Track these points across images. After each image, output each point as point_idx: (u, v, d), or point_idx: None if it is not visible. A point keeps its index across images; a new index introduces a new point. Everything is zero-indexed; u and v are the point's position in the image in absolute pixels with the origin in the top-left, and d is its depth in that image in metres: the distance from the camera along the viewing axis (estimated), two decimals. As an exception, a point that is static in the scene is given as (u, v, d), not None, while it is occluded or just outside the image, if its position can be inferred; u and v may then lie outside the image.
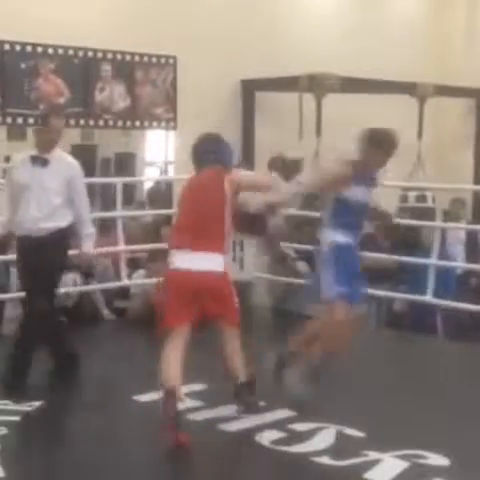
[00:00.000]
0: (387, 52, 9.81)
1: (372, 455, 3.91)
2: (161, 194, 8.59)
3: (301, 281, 7.60)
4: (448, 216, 8.85)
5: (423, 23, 10.69)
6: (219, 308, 4.31)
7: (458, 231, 8.67)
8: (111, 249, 6.69)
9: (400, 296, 7.38)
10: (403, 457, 3.88)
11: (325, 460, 3.90)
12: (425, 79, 9.39)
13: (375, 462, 3.85)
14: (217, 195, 4.29)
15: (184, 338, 4.26)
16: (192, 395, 4.76)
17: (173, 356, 4.19)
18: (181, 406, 4.50)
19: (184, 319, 4.23)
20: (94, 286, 6.64)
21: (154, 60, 8.14)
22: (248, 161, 8.55)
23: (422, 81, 9.25)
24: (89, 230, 5.16)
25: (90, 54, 7.75)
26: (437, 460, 3.86)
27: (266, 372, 4.65)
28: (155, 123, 8.21)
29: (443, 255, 7.33)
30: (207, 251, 4.19)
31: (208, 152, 4.52)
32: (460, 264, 8.08)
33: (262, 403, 4.61)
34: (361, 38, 9.76)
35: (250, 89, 8.84)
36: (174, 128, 8.33)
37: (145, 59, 8.09)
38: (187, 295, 4.18)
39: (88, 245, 5.15)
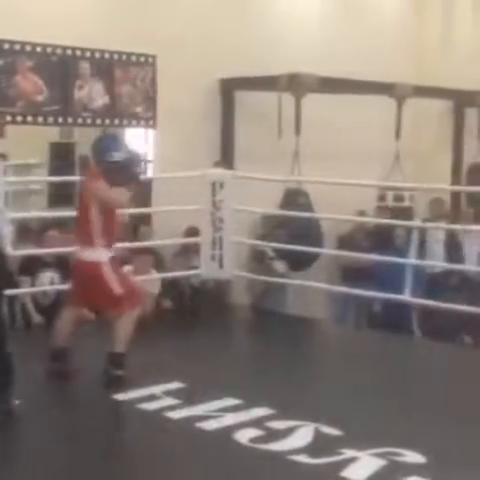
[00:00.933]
0: (366, 53, 9.84)
1: (349, 453, 3.93)
2: (140, 193, 8.56)
3: (279, 280, 7.64)
4: (429, 216, 8.93)
5: (402, 24, 10.72)
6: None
7: (437, 231, 8.73)
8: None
9: (376, 295, 7.42)
10: (380, 455, 3.91)
11: (303, 458, 3.92)
12: (404, 80, 9.43)
13: (352, 460, 3.87)
14: (84, 198, 5.08)
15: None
16: (170, 394, 4.77)
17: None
18: (159, 405, 4.54)
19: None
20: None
21: (133, 59, 8.11)
22: (227, 160, 8.56)
23: (400, 82, 9.29)
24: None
25: (69, 52, 7.70)
26: (413, 457, 3.89)
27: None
28: (134, 122, 8.19)
29: (419, 254, 7.39)
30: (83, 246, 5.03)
31: (93, 152, 5.21)
32: (435, 263, 8.13)
33: (240, 401, 4.62)
34: (341, 39, 9.78)
35: (229, 88, 8.83)
36: (153, 127, 8.31)
37: (124, 57, 8.06)
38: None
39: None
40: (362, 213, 8.93)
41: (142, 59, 8.18)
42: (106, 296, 5.00)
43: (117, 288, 4.97)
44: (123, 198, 5.07)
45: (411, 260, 6.50)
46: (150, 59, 8.21)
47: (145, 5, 8.17)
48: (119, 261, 5.40)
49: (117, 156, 5.06)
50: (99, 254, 4.99)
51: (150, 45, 8.08)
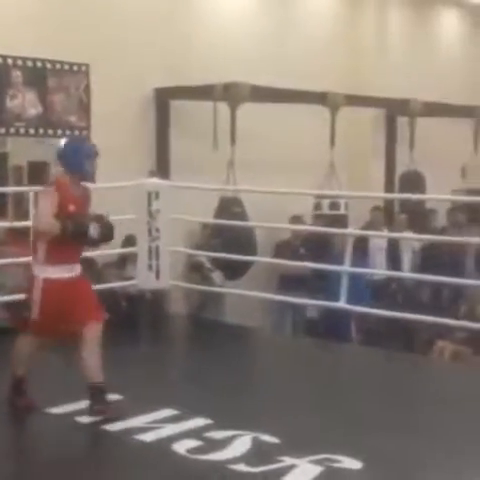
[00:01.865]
0: (300, 63, 9.94)
1: (287, 461, 3.94)
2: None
3: (217, 289, 7.65)
4: (369, 224, 9.06)
5: (335, 34, 10.86)
6: None
7: (378, 239, 8.86)
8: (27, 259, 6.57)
9: (313, 303, 7.49)
10: (317, 462, 3.93)
11: (241, 467, 3.92)
12: (337, 89, 9.56)
13: (290, 467, 3.88)
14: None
15: None
16: (107, 406, 4.72)
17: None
18: (96, 418, 4.48)
19: None
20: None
21: (66, 67, 8.04)
22: (163, 169, 8.54)
23: (333, 91, 9.41)
24: None
25: (0, 60, 7.61)
26: (350, 463, 3.92)
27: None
28: (68, 131, 8.11)
29: (361, 262, 7.48)
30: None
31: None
32: (373, 271, 8.25)
33: (178, 412, 4.60)
34: (275, 49, 9.86)
35: (164, 97, 8.82)
36: (88, 136, 8.25)
37: (57, 66, 7.98)
38: None
39: None
40: (298, 218, 9.00)
41: (75, 68, 8.12)
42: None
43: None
44: (43, 224, 4.48)
45: (345, 267, 6.57)
46: (83, 68, 8.15)
47: (78, 13, 8.11)
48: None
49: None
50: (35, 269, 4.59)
51: (83, 54, 8.03)
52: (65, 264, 4.57)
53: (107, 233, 4.71)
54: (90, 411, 4.49)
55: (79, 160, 4.57)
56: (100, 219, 4.68)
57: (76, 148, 4.67)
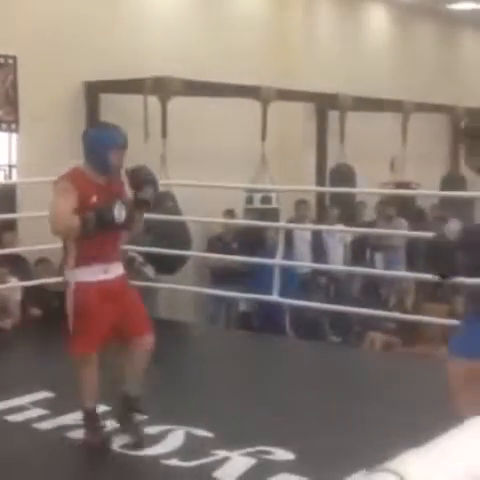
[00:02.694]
0: (232, 56, 9.95)
1: (220, 454, 3.96)
2: (6, 198, 8.33)
3: (150, 284, 7.61)
4: (295, 217, 9.13)
5: (266, 28, 10.90)
6: None
7: (304, 232, 8.94)
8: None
9: (246, 296, 7.52)
10: (250, 454, 3.96)
11: (175, 462, 3.91)
12: (269, 83, 9.60)
13: (223, 461, 3.90)
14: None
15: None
16: (37, 404, 4.66)
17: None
18: (27, 416, 4.42)
19: None
20: None
21: (-7, 60, 7.91)
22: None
23: (265, 85, 9.45)
24: None
25: None
26: (282, 455, 3.96)
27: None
28: (-5, 125, 7.98)
29: (288, 255, 7.53)
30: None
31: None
32: (304, 263, 8.33)
33: (110, 408, 4.57)
34: (207, 42, 9.85)
35: (94, 91, 8.72)
36: (16, 131, 8.11)
37: (-17, 59, 7.84)
38: None
39: None
40: (230, 212, 9.02)
41: (1, 60, 7.96)
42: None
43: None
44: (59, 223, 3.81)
45: (277, 260, 6.62)
46: (10, 60, 8.00)
47: (5, 5, 7.95)
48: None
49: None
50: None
51: (10, 46, 7.88)
52: (99, 264, 3.88)
53: (142, 203, 3.96)
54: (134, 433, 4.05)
55: (99, 150, 3.92)
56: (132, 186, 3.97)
57: (95, 136, 4.03)
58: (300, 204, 9.37)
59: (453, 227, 3.21)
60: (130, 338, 3.98)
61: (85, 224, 3.73)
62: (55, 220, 3.80)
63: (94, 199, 3.84)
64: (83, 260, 3.85)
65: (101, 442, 4.02)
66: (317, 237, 9.08)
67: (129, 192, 4.07)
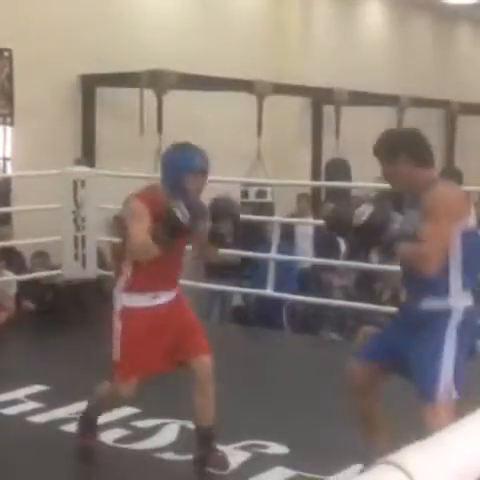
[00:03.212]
0: (228, 50, 9.95)
1: (215, 448, 3.96)
2: (0, 191, 8.33)
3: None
4: (296, 211, 9.12)
5: (263, 23, 10.89)
6: None
7: (306, 226, 8.94)
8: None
9: (240, 290, 7.51)
10: (244, 448, 3.97)
11: (169, 456, 3.92)
12: (264, 78, 9.60)
13: (218, 454, 3.91)
14: None
15: None
16: (31, 397, 4.66)
17: None
18: (21, 409, 4.42)
19: None
20: None
21: (-12, 53, 7.89)
22: (89, 157, 8.44)
23: (260, 79, 9.45)
24: None
25: None
26: (277, 449, 3.97)
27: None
28: (-10, 118, 7.97)
29: (286, 250, 7.53)
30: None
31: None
32: (299, 258, 8.32)
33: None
34: (203, 36, 9.84)
35: (90, 84, 8.71)
36: (11, 124, 8.09)
37: (-22, 51, 7.83)
38: None
39: None
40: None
41: (-3, 53, 7.95)
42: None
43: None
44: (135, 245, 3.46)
45: (272, 254, 6.62)
46: (6, 53, 7.98)
47: (0, -2, 7.94)
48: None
49: None
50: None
51: (6, 39, 7.86)
52: (151, 291, 3.63)
53: (216, 237, 3.70)
54: (195, 459, 3.81)
55: (174, 173, 3.59)
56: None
57: (173, 157, 3.67)
58: (301, 198, 9.37)
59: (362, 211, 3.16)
60: (188, 360, 3.77)
61: (155, 235, 3.44)
62: (132, 242, 3.50)
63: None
64: (138, 285, 3.61)
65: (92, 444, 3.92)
66: (319, 232, 9.05)
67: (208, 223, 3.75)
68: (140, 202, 3.54)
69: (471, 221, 3.16)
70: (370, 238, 3.25)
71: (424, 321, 3.13)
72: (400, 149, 3.18)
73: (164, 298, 3.68)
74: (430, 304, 3.15)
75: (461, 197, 3.20)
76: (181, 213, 3.44)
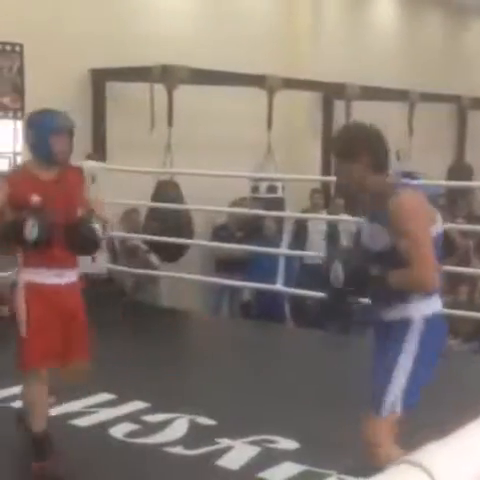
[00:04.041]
0: (238, 45, 9.92)
1: (224, 442, 3.98)
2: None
3: (154, 272, 7.62)
4: (309, 206, 9.11)
5: (273, 17, 10.86)
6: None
7: (318, 221, 8.92)
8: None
9: (250, 285, 7.52)
10: (254, 443, 3.97)
11: (178, 450, 3.93)
12: (274, 72, 9.57)
13: (227, 449, 3.92)
14: None
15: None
16: (43, 391, 4.67)
17: None
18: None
19: None
20: None
21: (-1, 47, 7.90)
22: (99, 152, 8.45)
23: (271, 74, 9.43)
24: None
25: None
26: (286, 444, 3.97)
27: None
28: (1, 113, 7.96)
29: (298, 245, 7.53)
30: None
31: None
32: (309, 253, 8.30)
33: (114, 396, 4.59)
34: (213, 31, 9.82)
35: (100, 79, 8.70)
36: (22, 118, 8.10)
37: (-10, 46, 7.83)
38: None
39: None
40: (243, 199, 8.98)
41: (8, 48, 7.95)
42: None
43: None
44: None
45: (283, 250, 6.61)
46: (17, 48, 7.99)
47: (11, -8, 7.94)
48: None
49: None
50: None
51: (17, 33, 7.86)
52: (47, 267, 3.54)
53: (74, 237, 3.52)
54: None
55: (40, 137, 3.52)
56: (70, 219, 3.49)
57: (36, 122, 3.60)
58: (314, 193, 9.37)
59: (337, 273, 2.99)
60: (69, 361, 3.67)
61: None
62: None
63: (35, 199, 3.44)
64: (33, 259, 3.52)
65: (54, 466, 3.64)
66: (332, 227, 9.03)
67: (87, 191, 3.77)
68: (2, 179, 3.54)
69: (436, 228, 2.96)
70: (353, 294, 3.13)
71: (387, 331, 3.00)
72: (360, 149, 2.97)
73: (69, 278, 3.62)
74: (391, 314, 2.99)
75: (425, 204, 2.96)
76: (31, 232, 3.37)
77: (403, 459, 1.21)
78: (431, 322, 2.98)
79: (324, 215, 9.22)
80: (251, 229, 8.53)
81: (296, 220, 8.07)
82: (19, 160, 8.21)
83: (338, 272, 3.00)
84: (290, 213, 8.07)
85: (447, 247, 8.18)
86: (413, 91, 11.36)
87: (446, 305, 6.65)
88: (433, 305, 3.01)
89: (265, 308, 7.72)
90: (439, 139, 12.77)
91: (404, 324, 2.97)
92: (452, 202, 10.09)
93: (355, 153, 2.98)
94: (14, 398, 4.54)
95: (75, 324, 3.67)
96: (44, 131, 3.51)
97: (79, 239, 3.54)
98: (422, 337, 2.96)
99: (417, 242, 2.86)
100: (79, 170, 3.80)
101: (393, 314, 3.00)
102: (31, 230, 3.38)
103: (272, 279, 6.58)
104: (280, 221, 7.60)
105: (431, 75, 12.54)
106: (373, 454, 2.98)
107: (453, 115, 13.49)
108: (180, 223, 7.70)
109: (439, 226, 2.99)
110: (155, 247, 7.61)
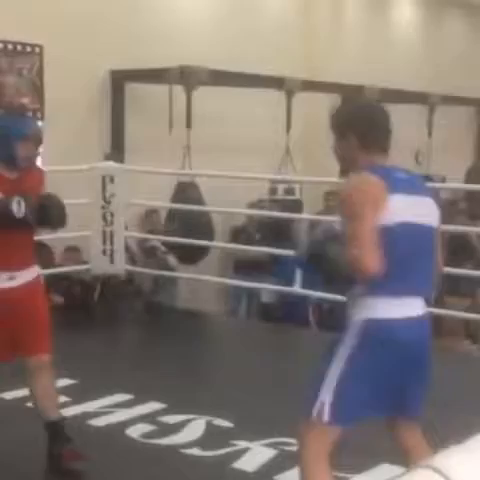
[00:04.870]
0: (257, 47, 9.91)
1: (240, 444, 3.97)
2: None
3: (172, 274, 7.63)
4: (324, 209, 9.07)
5: (293, 20, 10.84)
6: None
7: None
8: None
9: (269, 287, 7.51)
10: (270, 445, 3.96)
11: (195, 451, 3.93)
12: (294, 74, 9.56)
13: (243, 451, 3.91)
14: None
15: None
16: (60, 391, 4.67)
17: None
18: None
19: None
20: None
21: (19, 48, 7.92)
22: (118, 153, 8.47)
23: (290, 76, 9.42)
24: None
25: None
26: (303, 447, 3.94)
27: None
28: (21, 113, 8.01)
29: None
30: None
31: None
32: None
33: (132, 397, 4.59)
34: (233, 32, 9.82)
35: (120, 80, 8.73)
36: (41, 118, 8.13)
37: (9, 47, 7.86)
38: None
39: None
40: (262, 201, 8.97)
41: (28, 49, 7.99)
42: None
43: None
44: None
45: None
46: (37, 49, 8.03)
47: (31, -6, 7.98)
48: None
49: None
50: None
51: (37, 34, 7.90)
52: (3, 271, 3.58)
53: (48, 211, 3.69)
54: (51, 456, 3.79)
55: (4, 140, 3.56)
56: (39, 197, 3.65)
57: (2, 125, 3.66)
58: (329, 195, 9.34)
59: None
60: (25, 356, 3.68)
61: None
62: None
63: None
64: None
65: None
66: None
67: (46, 188, 3.88)
68: None
69: (391, 216, 2.64)
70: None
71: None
72: (349, 126, 2.97)
73: (24, 278, 3.64)
74: (345, 314, 2.76)
75: (377, 187, 2.69)
76: (19, 209, 3.49)
77: (422, 464, 1.19)
78: (378, 329, 2.65)
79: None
80: (269, 231, 8.53)
81: (310, 222, 8.04)
82: (38, 161, 8.25)
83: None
84: (307, 215, 8.05)
85: (465, 250, 8.15)
86: (433, 94, 11.32)
87: (464, 309, 6.63)
88: (382, 309, 2.65)
89: (288, 311, 7.71)
90: (459, 141, 12.70)
91: (345, 328, 2.74)
92: (472, 204, 10.02)
93: (342, 131, 3.01)
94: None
95: (33, 323, 3.68)
96: (11, 136, 3.57)
97: (50, 209, 3.70)
98: (359, 344, 2.68)
99: (351, 224, 2.63)
100: (41, 171, 3.94)
101: (348, 309, 2.77)
102: (19, 206, 3.50)
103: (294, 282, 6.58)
104: (298, 223, 7.59)
105: (451, 78, 12.47)
106: (299, 457, 2.86)
107: (473, 118, 13.42)
108: (201, 225, 7.70)
109: (400, 215, 2.67)
110: (175, 249, 7.62)
